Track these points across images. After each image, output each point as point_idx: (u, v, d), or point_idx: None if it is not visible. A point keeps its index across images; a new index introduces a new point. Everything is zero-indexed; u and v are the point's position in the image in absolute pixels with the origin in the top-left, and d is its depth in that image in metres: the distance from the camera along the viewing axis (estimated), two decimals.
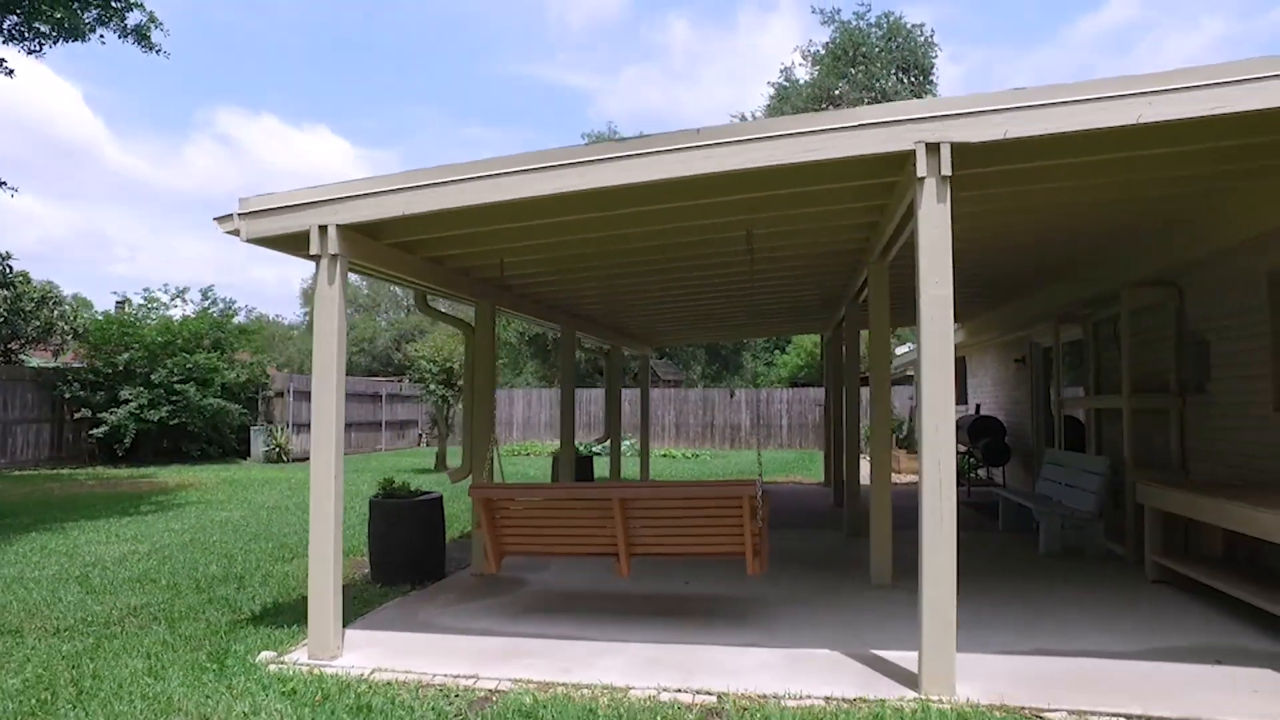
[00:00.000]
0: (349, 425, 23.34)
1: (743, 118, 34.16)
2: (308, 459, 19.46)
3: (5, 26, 9.57)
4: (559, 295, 8.29)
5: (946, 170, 3.97)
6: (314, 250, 4.59)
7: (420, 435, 27.65)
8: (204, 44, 70.01)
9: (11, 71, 10.12)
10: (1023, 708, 3.67)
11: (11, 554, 7.76)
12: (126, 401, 17.30)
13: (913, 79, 32.31)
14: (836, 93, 32.80)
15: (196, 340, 18.97)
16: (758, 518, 4.74)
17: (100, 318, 18.88)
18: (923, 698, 3.80)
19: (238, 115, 76.09)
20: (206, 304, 20.42)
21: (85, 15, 10.34)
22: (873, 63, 31.88)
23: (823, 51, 33.37)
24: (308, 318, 57.22)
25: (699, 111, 67.23)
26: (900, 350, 18.39)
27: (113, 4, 10.53)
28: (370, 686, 4.13)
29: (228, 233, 4.73)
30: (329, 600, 4.62)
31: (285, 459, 19.73)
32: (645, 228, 5.47)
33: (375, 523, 6.75)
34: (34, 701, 3.99)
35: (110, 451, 17.79)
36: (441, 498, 6.97)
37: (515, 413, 26.42)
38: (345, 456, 16.54)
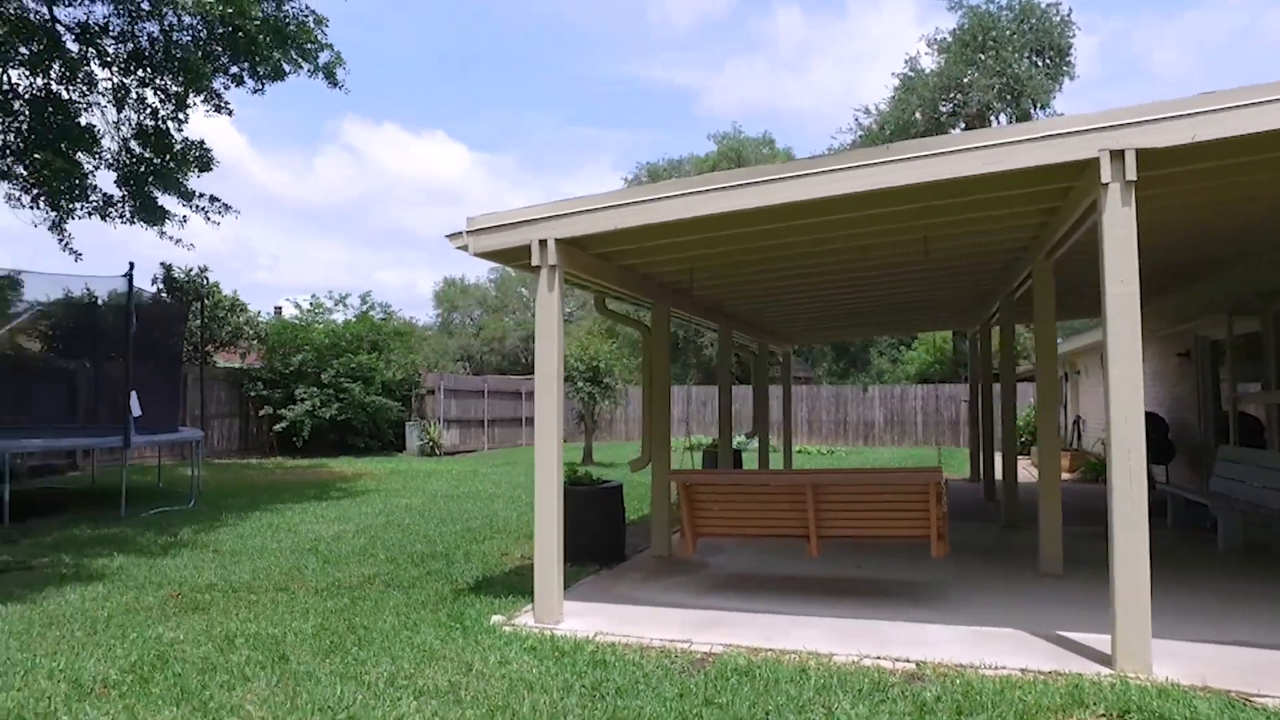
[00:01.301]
0: (493, 421, 24.69)
1: (866, 110, 33.69)
2: (457, 453, 20.74)
3: (232, 71, 10.96)
4: (720, 297, 8.77)
5: (1131, 175, 4.17)
6: (535, 262, 5.23)
7: None
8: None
9: (231, 112, 11.55)
10: (1228, 691, 3.83)
11: (248, 529, 8.91)
12: (301, 399, 19.00)
13: (1048, 60, 31.01)
14: (966, 80, 31.91)
15: (358, 342, 20.58)
16: (942, 503, 5.06)
17: (276, 323, 20.77)
18: (1119, 674, 4.04)
19: (362, 126, 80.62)
20: (365, 308, 22.08)
21: (284, 56, 11.60)
22: (1003, 47, 30.82)
23: (950, 39, 32.52)
24: (440, 319, 60.21)
25: (807, 103, 66.39)
26: None
27: (306, 46, 11.74)
28: (598, 647, 4.72)
29: (457, 248, 5.44)
30: (553, 572, 5.24)
31: (437, 452, 21.10)
32: (815, 235, 5.85)
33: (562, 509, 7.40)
34: (328, 643, 4.79)
35: (288, 444, 19.58)
36: (621, 486, 7.57)
37: None
38: (491, 451, 17.69)
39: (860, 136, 32.05)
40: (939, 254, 6.89)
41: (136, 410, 10.49)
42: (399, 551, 7.72)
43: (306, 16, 11.95)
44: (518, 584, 6.39)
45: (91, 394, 13.87)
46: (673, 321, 9.46)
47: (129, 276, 10.15)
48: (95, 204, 11.61)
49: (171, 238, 12.56)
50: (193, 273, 19.20)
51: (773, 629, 5.00)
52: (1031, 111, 27.70)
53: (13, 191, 11.73)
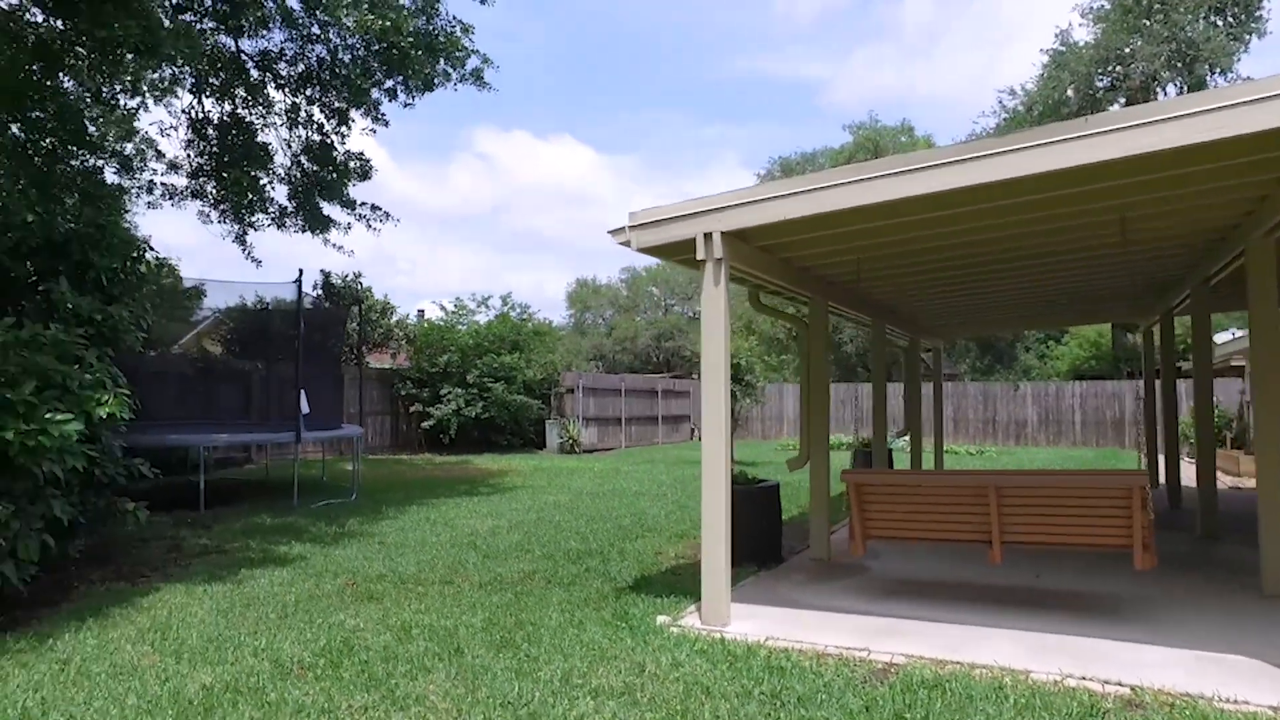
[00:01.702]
0: (629, 419, 24.90)
1: (1011, 91, 31.77)
2: (595, 450, 20.99)
3: (386, 86, 11.54)
4: (877, 290, 8.40)
5: None
6: (700, 255, 5.11)
7: (692, 429, 28.73)
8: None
9: (387, 123, 12.20)
10: None
11: (407, 523, 9.27)
12: (447, 399, 19.75)
13: (1230, 19, 28.27)
14: (1128, 50, 29.57)
15: (499, 342, 21.20)
16: (1148, 510, 4.58)
17: (424, 325, 21.69)
18: None
19: (493, 134, 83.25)
20: (505, 309, 22.74)
21: (434, 67, 12.04)
22: (1174, 9, 28.33)
23: (1108, 6, 30.21)
24: (573, 319, 61.43)
25: (939, 90, 63.35)
26: (1221, 338, 16.30)
27: (455, 55, 12.13)
28: (770, 652, 4.55)
29: (620, 244, 5.39)
30: (720, 574, 5.12)
31: (576, 450, 21.45)
32: (990, 221, 5.45)
33: None
34: (499, 638, 4.85)
35: (435, 441, 20.41)
36: (778, 486, 7.36)
37: (785, 408, 26.68)
38: (628, 449, 17.65)
39: (1005, 119, 30.31)
40: (1134, 236, 6.30)
41: (306, 408, 11.14)
42: (554, 548, 7.80)
43: (454, 27, 12.37)
44: (676, 584, 6.31)
45: (264, 393, 14.88)
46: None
47: (298, 283, 10.79)
48: (273, 215, 12.51)
49: (336, 245, 13.34)
50: (348, 278, 20.34)
51: (957, 640, 4.68)
52: (1208, 78, 25.32)
53: (203, 209, 12.79)
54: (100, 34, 6.06)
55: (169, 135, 11.88)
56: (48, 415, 5.23)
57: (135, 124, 13.55)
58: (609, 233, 5.45)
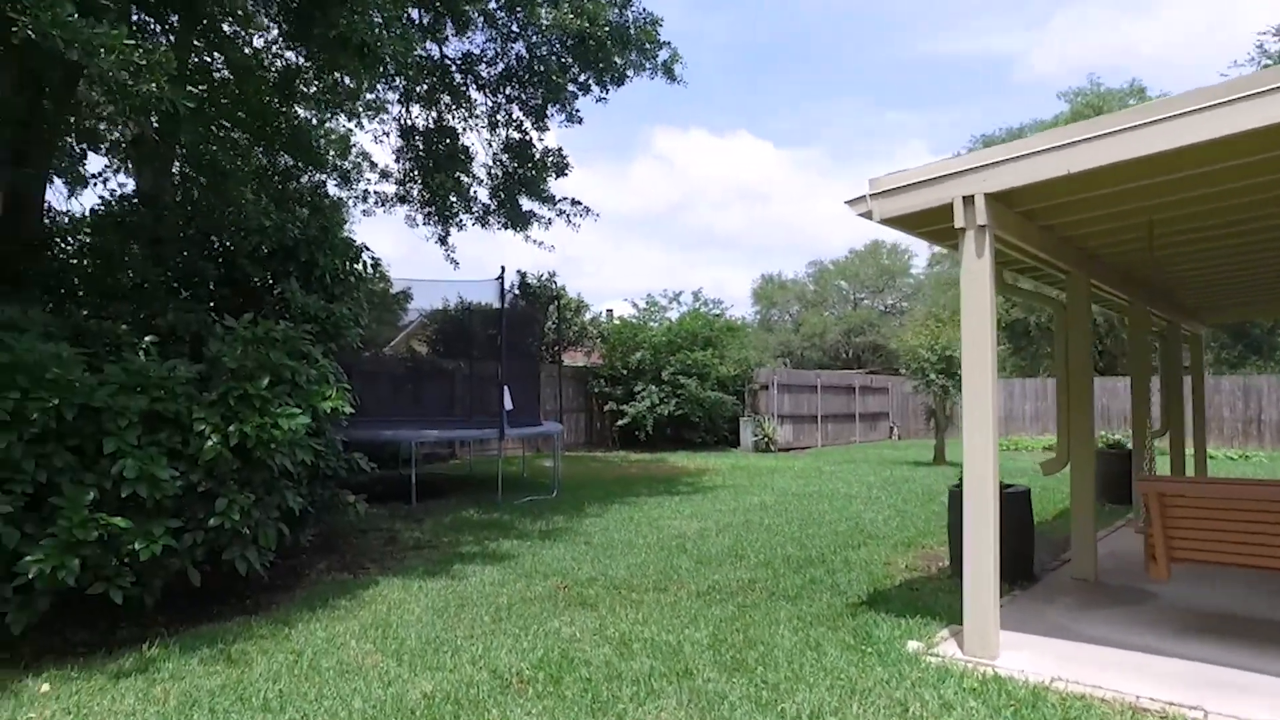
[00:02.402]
0: (825, 417, 23.84)
1: (1277, 32, 27.44)
2: (790, 449, 20.13)
3: (581, 80, 11.50)
4: (1142, 263, 7.12)
5: None
6: (959, 223, 4.34)
7: (891, 428, 27.16)
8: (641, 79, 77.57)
9: (581, 120, 12.17)
10: None
11: (611, 522, 9.02)
12: (641, 396, 19.65)
13: None
14: None
15: (691, 339, 20.86)
16: None
17: (616, 323, 21.77)
18: None
19: (671, 134, 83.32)
20: (697, 305, 22.40)
21: (626, 60, 11.82)
22: None
23: None
24: (759, 315, 60.43)
25: (1157, 50, 56.19)
26: None
27: (646, 46, 11.84)
28: (1064, 698, 3.72)
29: (859, 215, 4.73)
30: (988, 596, 4.33)
31: (772, 448, 20.72)
32: None
33: (956, 514, 6.39)
34: (729, 658, 4.34)
35: (629, 438, 20.40)
36: (1029, 491, 6.37)
37: (1001, 404, 24.52)
38: (824, 448, 16.51)
39: (1267, 65, 26.27)
40: None
41: (509, 404, 11.24)
42: (771, 555, 7.21)
43: (644, 18, 12.10)
44: (917, 601, 5.55)
45: (468, 391, 15.39)
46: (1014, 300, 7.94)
47: (500, 280, 10.90)
48: (477, 214, 12.84)
49: (536, 241, 13.47)
50: (543, 278, 20.76)
51: None
52: None
53: (410, 213, 13.38)
54: (330, 33, 6.17)
55: (381, 141, 12.48)
56: (279, 410, 5.31)
57: (352, 140, 14.41)
58: (846, 203, 4.79)
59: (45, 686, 4.12)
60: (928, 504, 10.41)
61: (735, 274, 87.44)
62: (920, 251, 53.94)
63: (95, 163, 23.18)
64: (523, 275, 20.91)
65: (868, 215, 4.67)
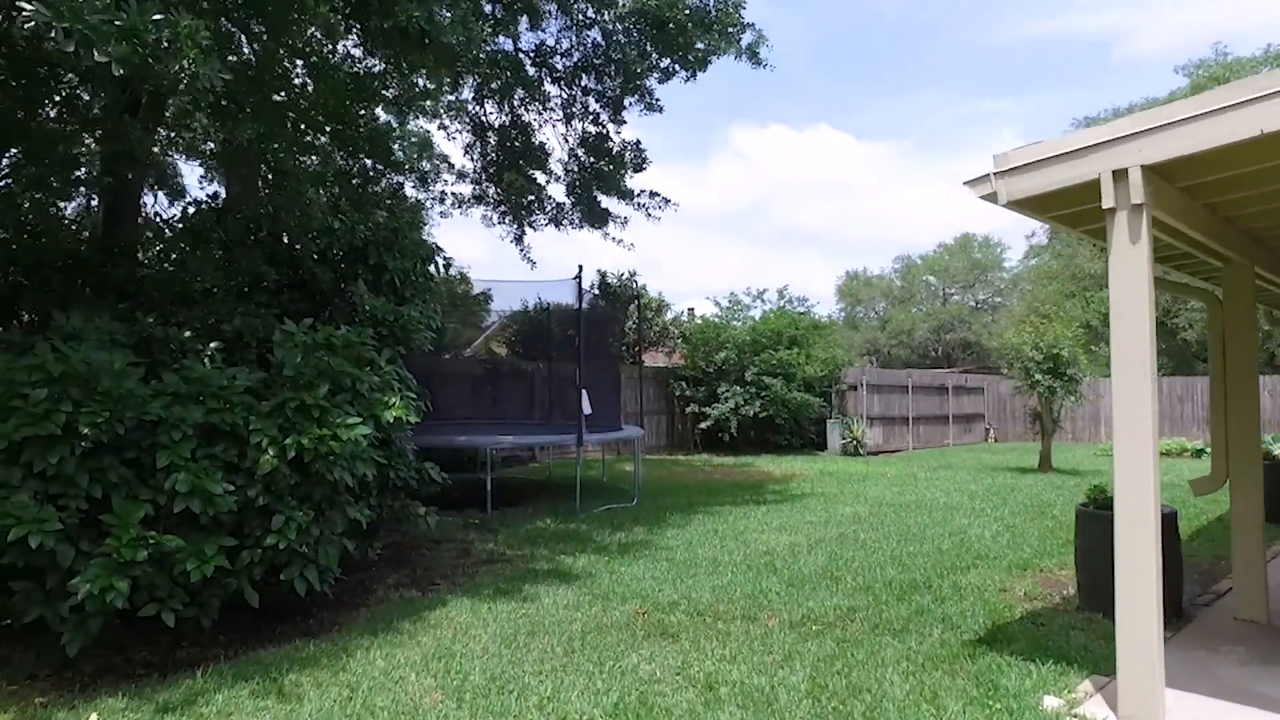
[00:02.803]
0: (916, 419, 22.73)
1: None
2: (880, 453, 19.16)
3: (662, 65, 11.02)
4: None
5: None
6: (1108, 203, 3.64)
7: (987, 430, 25.77)
8: (716, 74, 76.27)
9: (662, 109, 11.64)
10: None
11: (694, 535, 8.49)
12: (725, 397, 19.03)
13: None
14: None
15: (776, 337, 20.12)
16: None
17: (699, 322, 21.20)
18: None
19: (749, 131, 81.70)
20: (782, 303, 21.63)
21: (709, 43, 11.24)
22: None
23: None
24: (843, 313, 58.80)
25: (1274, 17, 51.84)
26: None
27: (729, 30, 11.25)
28: None
29: (981, 197, 4.06)
30: (1150, 648, 3.62)
31: (861, 452, 19.81)
32: None
33: (1087, 538, 5.61)
34: (831, 709, 3.76)
35: (712, 441, 19.81)
36: (1176, 514, 5.54)
37: (1104, 408, 22.91)
38: (916, 451, 15.43)
39: None
40: None
41: (588, 409, 10.83)
42: (869, 576, 6.56)
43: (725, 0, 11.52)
44: (1044, 639, 4.84)
45: (546, 394, 15.11)
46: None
47: (578, 280, 10.49)
48: (551, 213, 12.50)
49: (615, 239, 13.03)
50: (623, 277, 20.39)
51: None
52: None
53: (486, 213, 13.13)
54: (386, 24, 5.84)
55: (454, 138, 12.20)
56: (338, 420, 4.99)
57: (430, 142, 14.28)
58: (965, 184, 4.13)
59: (94, 717, 3.87)
60: (1038, 518, 9.51)
61: (818, 271, 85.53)
62: (1015, 244, 51.51)
63: (194, 174, 24.04)
64: (602, 275, 20.60)
65: (991, 198, 4.00)
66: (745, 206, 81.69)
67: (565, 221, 12.65)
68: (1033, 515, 9.71)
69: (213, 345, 5.70)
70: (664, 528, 8.95)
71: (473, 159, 12.52)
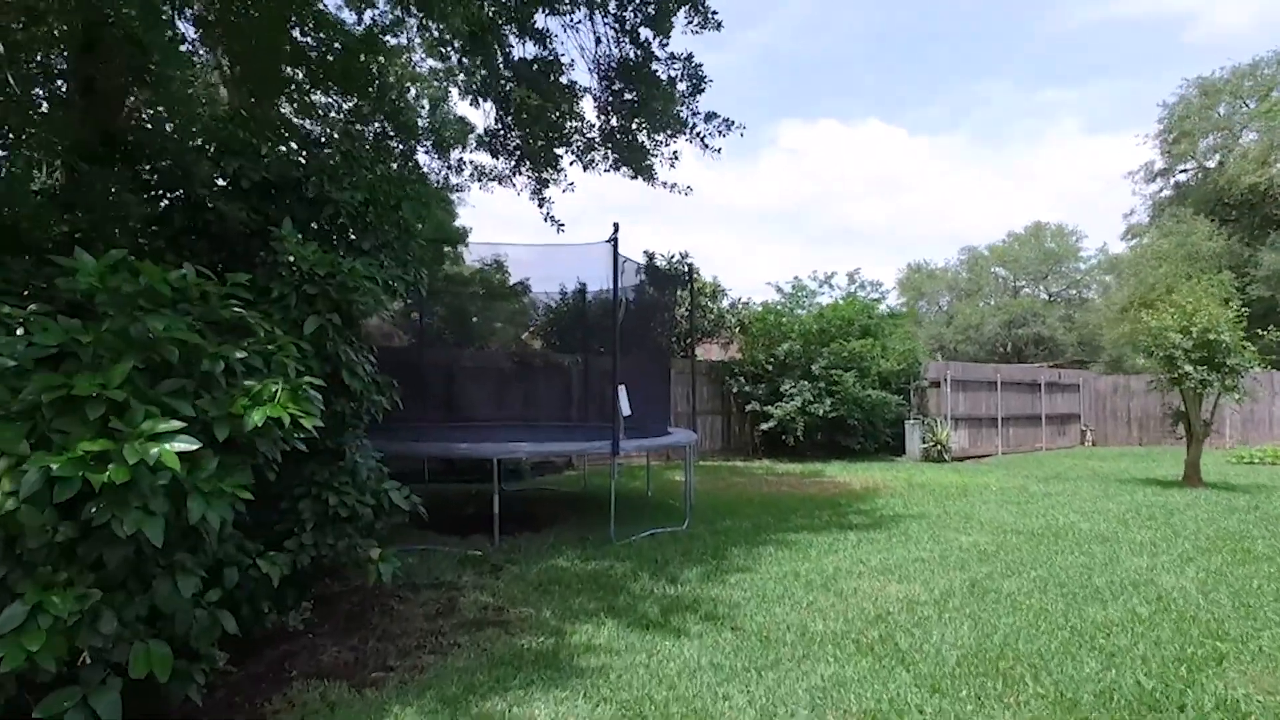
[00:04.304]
0: (1006, 419, 19.92)
1: None
2: (966, 458, 16.31)
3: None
4: None
5: None
6: None
7: (1083, 431, 22.78)
8: (764, 70, 73.10)
9: (720, 24, 9.11)
10: None
11: (766, 582, 6.11)
12: (789, 395, 16.55)
13: None
14: None
15: (847, 326, 17.57)
16: None
17: (761, 309, 18.69)
18: None
19: (799, 128, 78.05)
20: (853, 287, 19.05)
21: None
22: None
23: None
24: (905, 308, 55.40)
25: None
26: None
27: None
28: None
29: None
30: None
31: (945, 457, 17.15)
32: None
33: None
34: None
35: (773, 444, 17.34)
36: None
37: (1274, 408, 19.86)
38: (1005, 456, 12.20)
39: None
40: None
41: (625, 409, 8.54)
42: (1060, 675, 4.11)
43: None
44: None
45: (582, 391, 12.88)
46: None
47: (613, 242, 8.20)
48: (577, 149, 10.03)
49: (663, 182, 10.50)
50: (674, 260, 18.00)
51: None
52: None
53: (502, 169, 10.86)
54: None
55: (468, 84, 9.93)
56: (141, 425, 2.76)
57: (447, 105, 12.15)
58: None
59: None
60: (1243, 559, 6.92)
61: (876, 267, 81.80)
62: (1091, 233, 47.77)
63: None
64: (650, 256, 18.27)
65: None
66: (797, 204, 78.33)
67: (596, 159, 10.15)
68: (1232, 555, 7.11)
69: (32, 309, 3.55)
70: (725, 569, 6.61)
71: (480, 100, 10.09)
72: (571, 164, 10.33)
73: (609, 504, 8.06)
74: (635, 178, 10.21)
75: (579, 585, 6.10)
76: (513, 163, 10.54)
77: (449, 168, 12.57)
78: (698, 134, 9.94)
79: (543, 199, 10.63)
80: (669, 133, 9.86)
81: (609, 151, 10.12)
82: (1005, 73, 69.86)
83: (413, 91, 12.11)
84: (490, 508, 7.55)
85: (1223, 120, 28.91)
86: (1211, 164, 29.54)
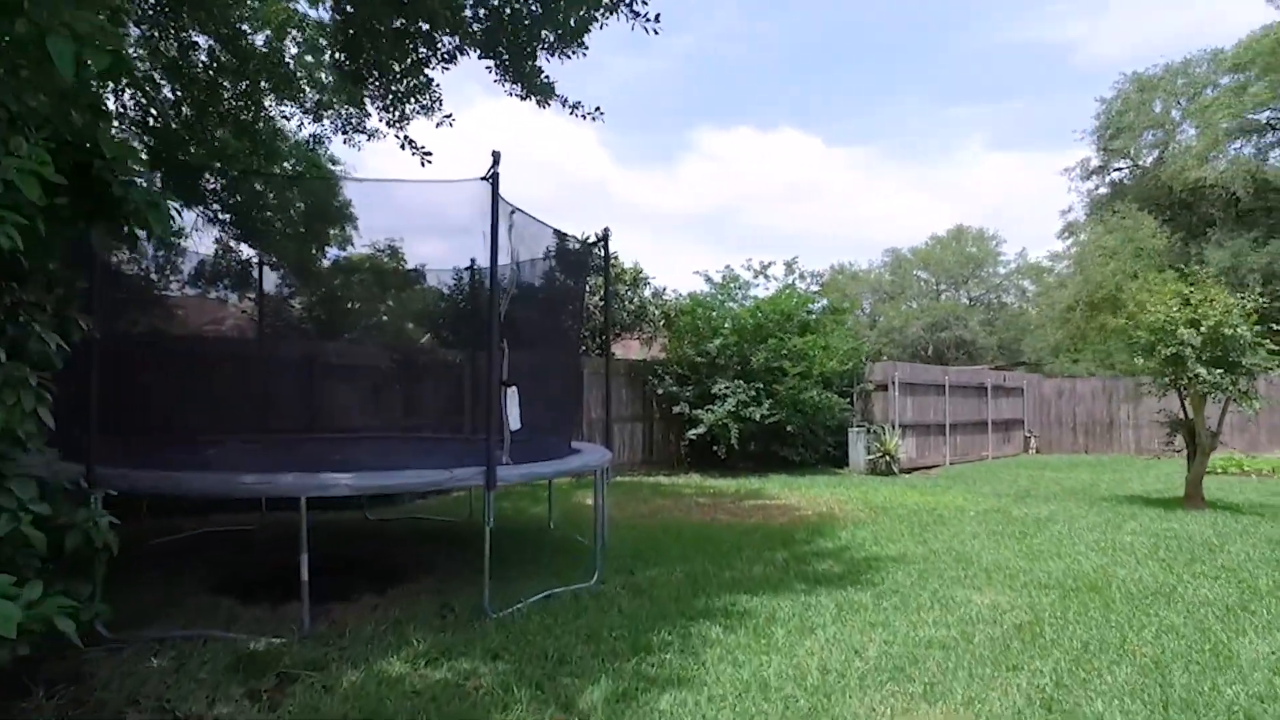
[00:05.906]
0: (953, 426, 18.20)
1: None
2: (914, 469, 14.19)
3: None
4: None
5: None
6: None
7: (1027, 438, 21.35)
8: (687, 75, 71.74)
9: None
10: None
11: (717, 699, 3.74)
12: (722, 396, 14.30)
13: None
14: None
15: (785, 321, 15.45)
16: None
17: (689, 301, 16.35)
18: None
19: (715, 133, 76.62)
20: (790, 279, 16.98)
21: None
22: None
23: None
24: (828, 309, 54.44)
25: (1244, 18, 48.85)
26: None
27: None
28: None
29: None
30: None
31: (894, 469, 15.22)
32: None
33: None
34: None
35: (703, 455, 15.08)
36: None
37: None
38: (953, 467, 9.23)
39: None
40: None
41: (514, 422, 6.04)
42: None
43: None
44: None
45: (447, 392, 10.41)
46: None
47: (492, 179, 5.70)
48: (443, 53, 7.38)
49: (582, 112, 8.00)
50: (587, 239, 15.52)
51: None
52: None
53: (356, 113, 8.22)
54: None
55: None
56: None
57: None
58: None
59: None
60: None
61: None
62: (1011, 237, 47.85)
63: None
64: (561, 237, 15.72)
65: None
66: (718, 208, 76.89)
67: (467, 48, 7.49)
68: None
69: None
70: (650, 676, 4.20)
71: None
72: (443, 73, 7.68)
73: (505, 536, 5.57)
74: (527, 97, 7.69)
75: (420, 710, 3.61)
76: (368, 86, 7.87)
77: (304, 111, 9.89)
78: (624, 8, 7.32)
79: (401, 127, 7.98)
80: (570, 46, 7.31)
81: (503, 75, 7.55)
82: (916, 89, 70.49)
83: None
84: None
85: (1161, 116, 28.30)
86: (1149, 161, 28.95)
